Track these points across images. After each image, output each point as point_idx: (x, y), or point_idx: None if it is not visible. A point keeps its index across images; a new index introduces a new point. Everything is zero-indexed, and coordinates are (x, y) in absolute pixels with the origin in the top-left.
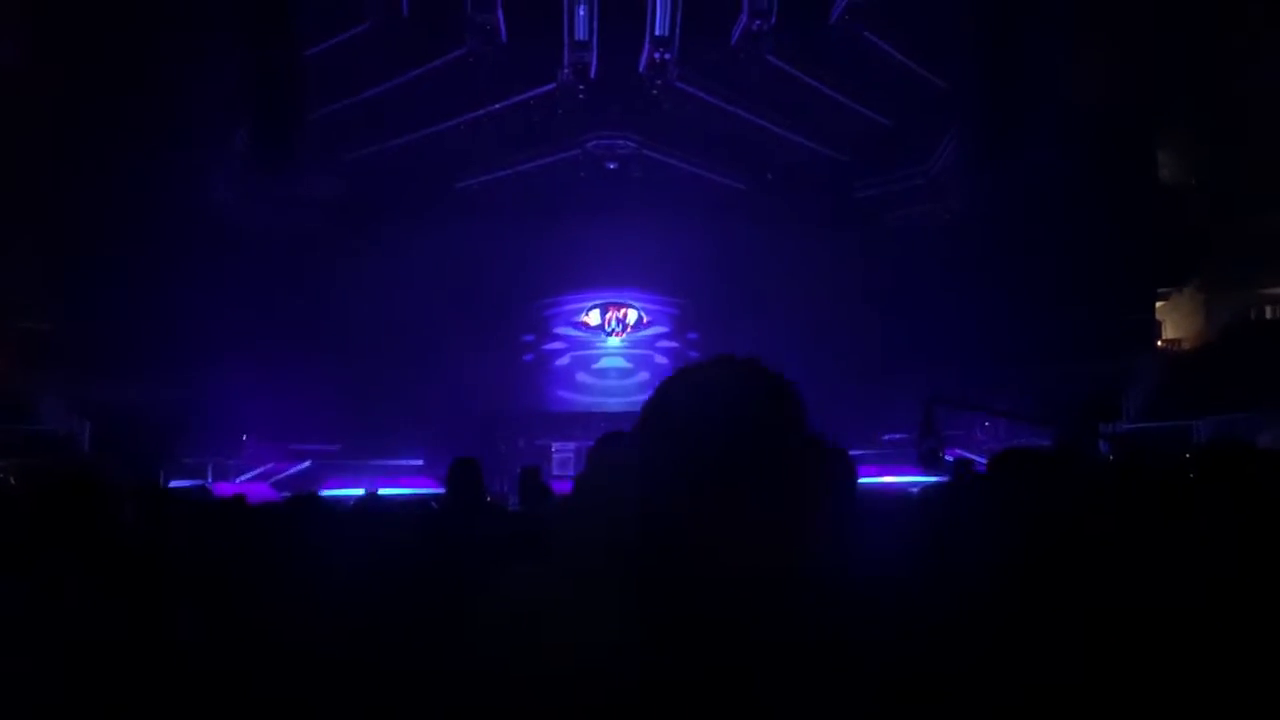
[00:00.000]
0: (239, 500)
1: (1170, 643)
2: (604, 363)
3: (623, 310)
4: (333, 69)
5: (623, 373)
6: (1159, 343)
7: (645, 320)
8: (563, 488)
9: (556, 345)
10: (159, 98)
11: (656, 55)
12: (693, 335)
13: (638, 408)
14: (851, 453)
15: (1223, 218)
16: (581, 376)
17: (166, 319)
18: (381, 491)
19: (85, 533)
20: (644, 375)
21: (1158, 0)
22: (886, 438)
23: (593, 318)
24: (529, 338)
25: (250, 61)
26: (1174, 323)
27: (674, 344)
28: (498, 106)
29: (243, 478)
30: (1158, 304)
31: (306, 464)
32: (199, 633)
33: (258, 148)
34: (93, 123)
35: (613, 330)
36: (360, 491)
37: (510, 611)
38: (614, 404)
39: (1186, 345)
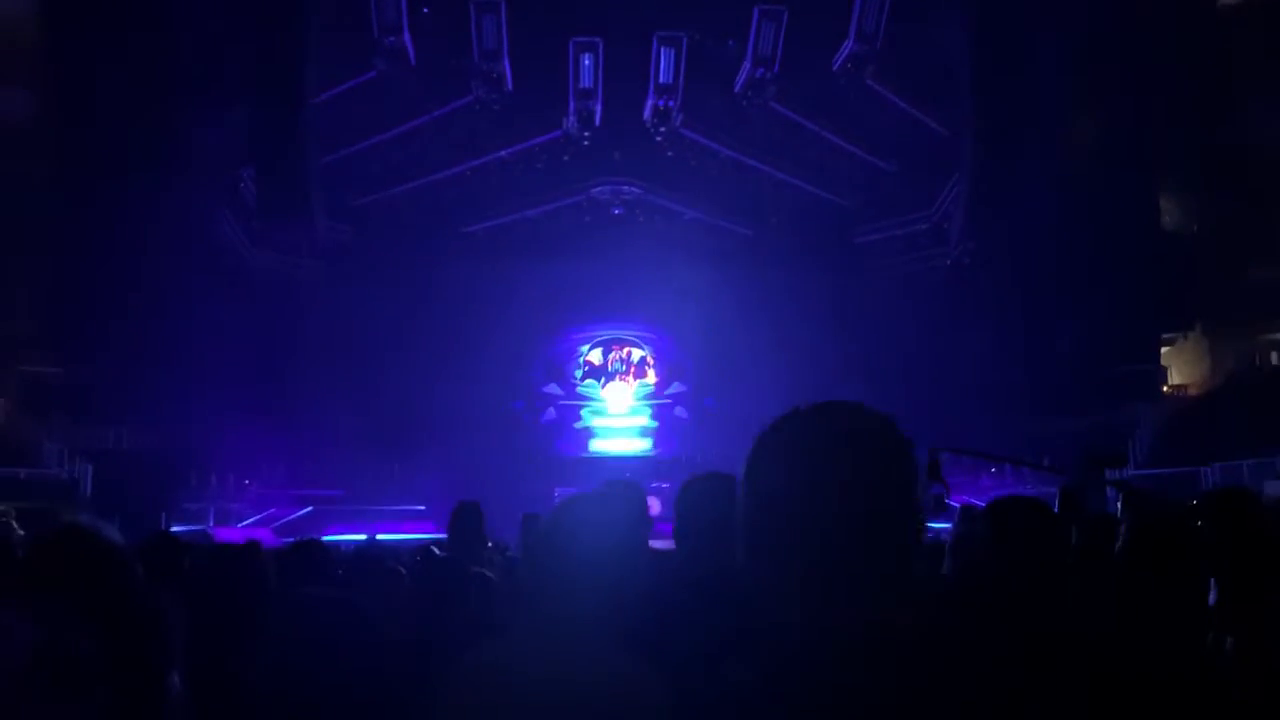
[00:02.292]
0: (252, 547)
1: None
2: (605, 421)
3: (625, 349)
4: (341, 116)
5: (626, 421)
6: (1164, 389)
7: (650, 360)
8: None
9: (559, 399)
10: (167, 145)
11: (660, 103)
12: (708, 400)
13: (640, 453)
14: None
15: (1225, 264)
16: (587, 427)
17: (171, 364)
18: (384, 537)
19: (95, 596)
20: (650, 424)
21: (1161, 49)
22: None
23: (595, 356)
24: (541, 389)
25: (259, 108)
26: (1179, 369)
27: (680, 392)
28: (504, 153)
29: (245, 523)
30: (1162, 350)
31: (309, 509)
32: (194, 696)
33: (266, 193)
34: (100, 171)
35: (615, 370)
36: (361, 537)
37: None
38: (617, 450)
39: (1192, 391)
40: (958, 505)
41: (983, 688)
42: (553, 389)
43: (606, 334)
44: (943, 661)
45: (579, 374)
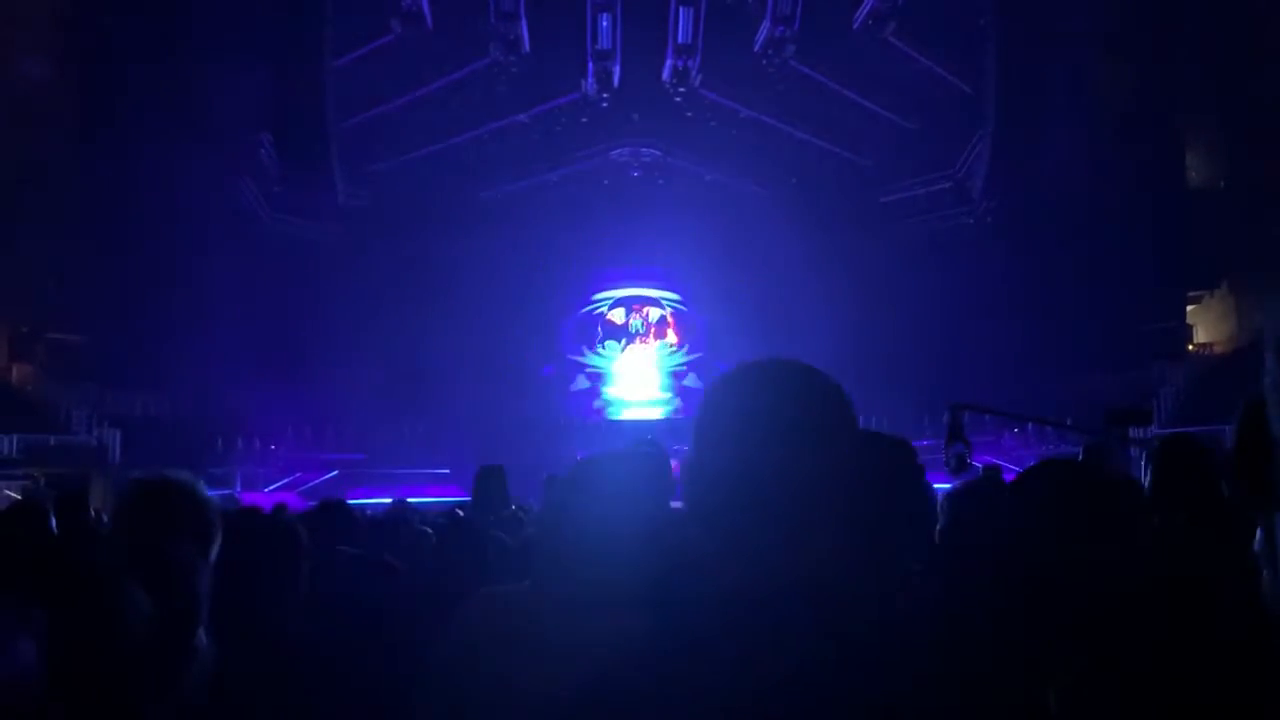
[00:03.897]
0: (278, 509)
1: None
2: (626, 383)
3: (645, 309)
4: (359, 81)
5: (648, 383)
6: (1190, 347)
7: (669, 319)
8: None
9: (579, 363)
10: (189, 111)
11: (679, 63)
12: (711, 347)
13: (662, 415)
14: None
15: (1252, 221)
16: (609, 389)
17: (195, 330)
18: (410, 499)
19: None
20: (665, 392)
21: (1187, 3)
22: (913, 444)
23: (617, 316)
24: (561, 353)
25: (278, 73)
26: (1205, 327)
27: (695, 359)
28: (522, 117)
29: (271, 487)
30: (1189, 308)
31: (334, 473)
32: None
33: (286, 159)
34: (122, 138)
35: (636, 332)
36: (387, 500)
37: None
38: (639, 412)
39: (1218, 349)
40: (980, 465)
41: (921, 647)
42: (571, 353)
43: (626, 292)
44: (887, 623)
45: (599, 336)
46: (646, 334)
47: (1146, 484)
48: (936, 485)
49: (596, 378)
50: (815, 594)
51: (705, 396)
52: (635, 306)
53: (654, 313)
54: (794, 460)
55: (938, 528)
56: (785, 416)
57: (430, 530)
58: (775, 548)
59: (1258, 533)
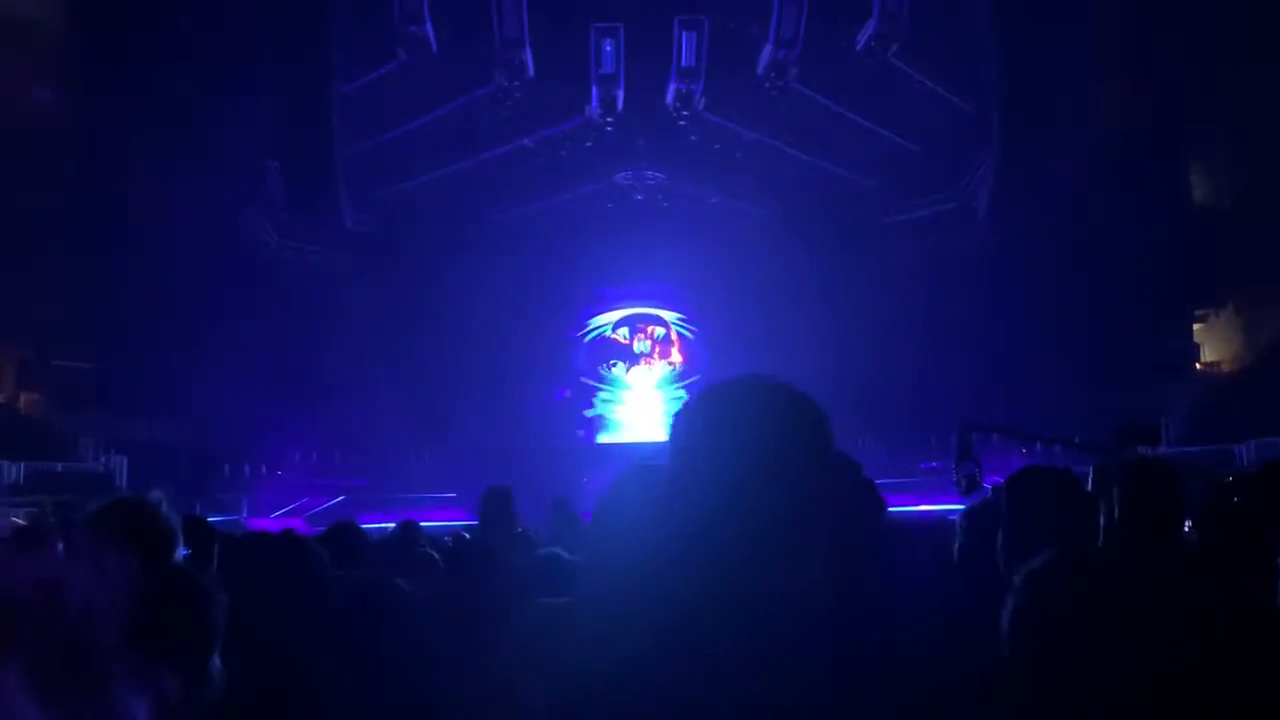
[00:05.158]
0: (287, 533)
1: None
2: (631, 405)
3: (650, 328)
4: (365, 107)
5: (652, 405)
6: (1198, 366)
7: (674, 338)
8: None
9: (584, 386)
10: (195, 138)
11: (683, 87)
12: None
13: (664, 438)
14: (886, 482)
15: (1258, 239)
16: (613, 412)
17: (202, 357)
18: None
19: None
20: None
21: (1189, 20)
22: (922, 466)
23: (621, 335)
24: (566, 375)
25: (284, 102)
26: (1212, 345)
27: (700, 378)
28: (527, 141)
29: (278, 512)
30: (1195, 327)
31: (340, 498)
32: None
33: (292, 186)
34: (129, 163)
35: (641, 353)
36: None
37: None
38: (644, 435)
39: (1226, 368)
40: (989, 486)
41: (908, 658)
42: (579, 375)
43: (631, 310)
44: (866, 634)
45: (605, 357)
46: (651, 354)
47: (1116, 508)
48: (948, 507)
49: (601, 401)
50: (807, 610)
51: (677, 416)
52: (640, 325)
53: (658, 331)
54: (771, 478)
55: (955, 546)
56: (758, 434)
57: (436, 554)
58: (754, 566)
59: None
